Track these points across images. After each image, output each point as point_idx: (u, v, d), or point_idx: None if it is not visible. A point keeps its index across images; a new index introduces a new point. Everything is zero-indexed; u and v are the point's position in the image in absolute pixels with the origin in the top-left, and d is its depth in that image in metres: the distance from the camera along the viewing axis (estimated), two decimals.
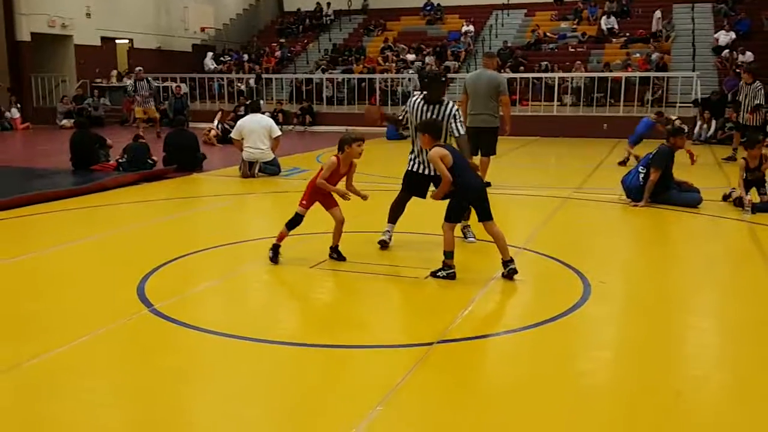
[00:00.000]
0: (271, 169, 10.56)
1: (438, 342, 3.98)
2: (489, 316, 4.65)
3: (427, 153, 5.71)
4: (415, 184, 6.20)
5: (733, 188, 8.14)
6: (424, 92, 6.19)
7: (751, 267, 5.77)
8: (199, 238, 6.82)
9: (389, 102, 19.69)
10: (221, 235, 6.69)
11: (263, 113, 12.16)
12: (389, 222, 6.28)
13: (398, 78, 21.37)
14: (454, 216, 5.23)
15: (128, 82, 16.51)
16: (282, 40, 27.93)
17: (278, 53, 26.33)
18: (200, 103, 22.06)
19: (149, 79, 16.53)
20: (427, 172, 6.08)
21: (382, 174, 10.85)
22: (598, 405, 3.35)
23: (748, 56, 19.30)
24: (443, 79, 6.29)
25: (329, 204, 5.73)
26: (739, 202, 7.80)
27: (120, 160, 10.65)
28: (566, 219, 7.58)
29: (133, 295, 4.79)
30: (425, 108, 6.09)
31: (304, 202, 5.63)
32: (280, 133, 10.80)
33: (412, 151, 6.15)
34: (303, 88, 21.74)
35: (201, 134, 13.76)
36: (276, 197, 9.24)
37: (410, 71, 22.04)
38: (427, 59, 23.23)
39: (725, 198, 8.17)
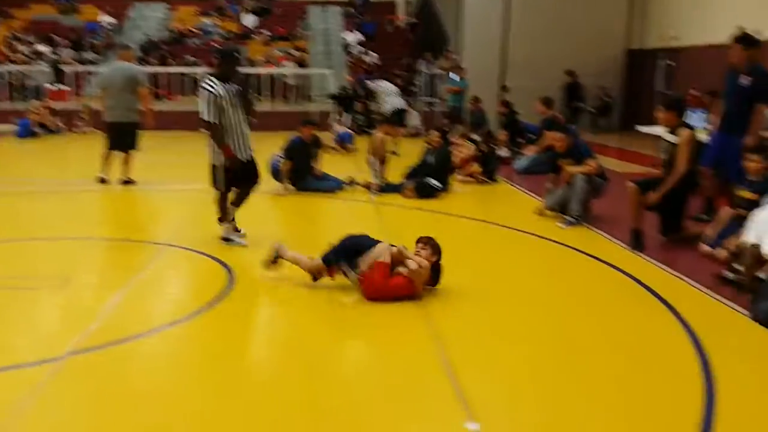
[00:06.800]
0: None
1: (68, 354, 3.70)
2: (128, 318, 4.43)
3: None
4: None
5: (351, 177, 8.98)
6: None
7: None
8: None
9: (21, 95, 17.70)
10: None
11: None
12: None
13: (30, 71, 19.27)
14: None
15: None
16: None
17: None
18: None
19: None
20: None
21: (20, 176, 9.76)
22: (246, 395, 3.43)
23: (373, 56, 21.43)
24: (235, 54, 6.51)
25: None
26: (368, 186, 8.71)
27: None
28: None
29: None
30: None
31: None
32: None
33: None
34: None
35: None
36: None
37: (43, 63, 20.08)
38: (64, 52, 21.44)
39: (350, 183, 8.93)
